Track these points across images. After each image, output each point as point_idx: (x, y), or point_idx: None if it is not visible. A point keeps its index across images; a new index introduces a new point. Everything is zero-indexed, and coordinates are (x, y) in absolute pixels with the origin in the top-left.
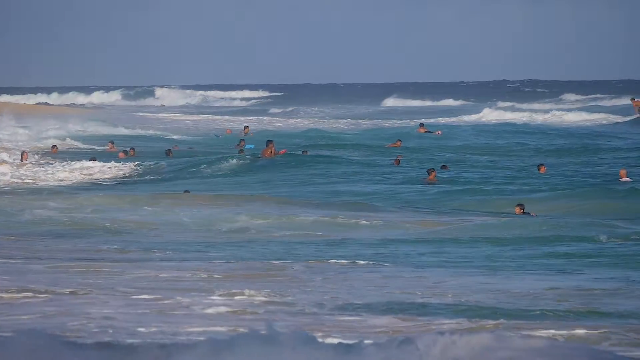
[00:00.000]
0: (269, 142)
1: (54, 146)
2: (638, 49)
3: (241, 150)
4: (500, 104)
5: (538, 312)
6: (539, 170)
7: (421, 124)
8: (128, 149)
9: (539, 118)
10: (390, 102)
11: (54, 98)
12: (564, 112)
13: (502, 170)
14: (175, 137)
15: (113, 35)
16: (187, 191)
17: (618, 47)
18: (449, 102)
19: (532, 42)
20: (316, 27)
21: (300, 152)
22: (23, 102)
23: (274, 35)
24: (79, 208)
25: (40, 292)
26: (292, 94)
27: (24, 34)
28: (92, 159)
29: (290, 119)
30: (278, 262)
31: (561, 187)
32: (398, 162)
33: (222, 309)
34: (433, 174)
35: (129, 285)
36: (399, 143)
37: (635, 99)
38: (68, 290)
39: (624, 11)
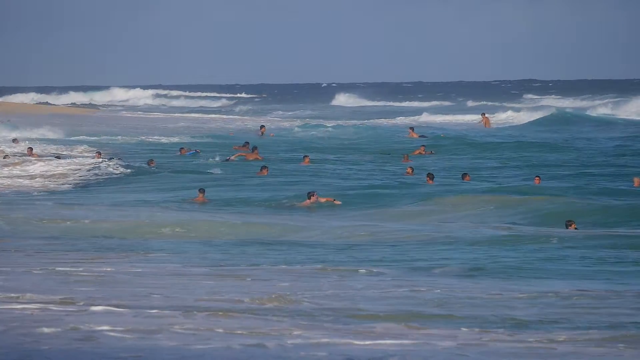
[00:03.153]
0: (263, 167)
1: (29, 148)
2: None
3: (255, 149)
4: (470, 104)
5: None
6: (534, 181)
7: (411, 128)
8: (115, 157)
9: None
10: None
11: (33, 98)
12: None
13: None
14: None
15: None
16: (202, 189)
17: (619, 46)
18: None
19: (529, 43)
20: (311, 27)
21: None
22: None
23: (268, 35)
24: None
25: None
26: (288, 94)
27: (22, 34)
28: (57, 157)
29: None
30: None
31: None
32: (411, 170)
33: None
34: (430, 179)
35: None
36: (422, 149)
37: (486, 115)
38: None
39: (625, 10)
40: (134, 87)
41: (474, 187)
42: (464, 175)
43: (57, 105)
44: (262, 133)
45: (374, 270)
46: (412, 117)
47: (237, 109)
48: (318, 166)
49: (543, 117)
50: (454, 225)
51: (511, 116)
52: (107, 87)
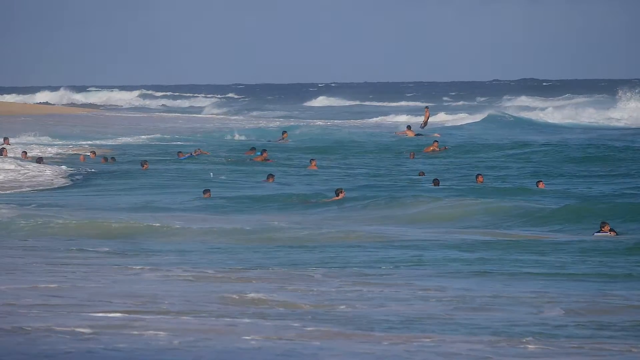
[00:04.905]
0: (269, 176)
1: (24, 152)
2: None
3: (264, 151)
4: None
5: None
6: (537, 185)
7: (408, 127)
8: (109, 156)
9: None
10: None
11: (22, 97)
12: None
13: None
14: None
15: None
16: (207, 190)
17: (620, 45)
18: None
19: (527, 42)
20: (310, 27)
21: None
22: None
23: (266, 34)
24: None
25: None
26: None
27: (24, 34)
28: (39, 160)
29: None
30: None
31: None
32: (423, 174)
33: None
34: (436, 182)
35: None
36: (435, 145)
37: (429, 109)
38: None
39: (626, 10)
40: (123, 87)
41: (480, 189)
42: (477, 176)
43: (55, 105)
44: (284, 138)
45: (383, 273)
46: (381, 117)
47: (225, 109)
48: (325, 170)
49: (480, 120)
50: (464, 229)
51: (457, 118)
52: (101, 88)
